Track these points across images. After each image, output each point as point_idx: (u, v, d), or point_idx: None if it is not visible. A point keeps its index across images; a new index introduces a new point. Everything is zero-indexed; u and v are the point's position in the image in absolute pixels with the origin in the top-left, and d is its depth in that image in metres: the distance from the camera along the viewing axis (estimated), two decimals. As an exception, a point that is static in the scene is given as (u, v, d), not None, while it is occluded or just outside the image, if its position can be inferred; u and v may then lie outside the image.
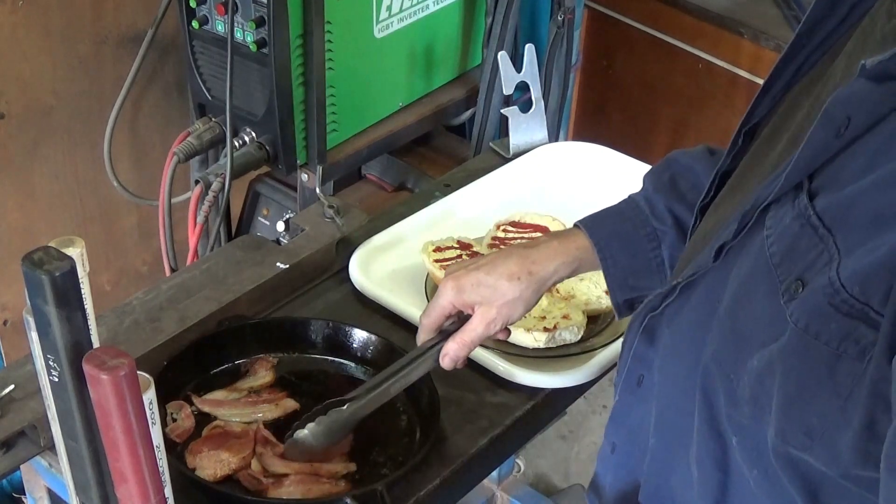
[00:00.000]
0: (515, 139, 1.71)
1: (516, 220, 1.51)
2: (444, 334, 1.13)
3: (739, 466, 0.80)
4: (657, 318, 0.91)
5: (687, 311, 0.87)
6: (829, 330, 0.68)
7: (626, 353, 0.96)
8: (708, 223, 0.93)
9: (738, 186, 0.90)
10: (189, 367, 1.24)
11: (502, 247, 1.47)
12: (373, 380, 1.14)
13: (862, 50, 0.78)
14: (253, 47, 1.49)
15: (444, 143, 1.97)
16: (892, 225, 0.66)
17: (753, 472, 0.79)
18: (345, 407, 1.11)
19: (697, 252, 0.88)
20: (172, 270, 1.66)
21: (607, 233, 1.12)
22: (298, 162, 1.62)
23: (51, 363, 0.80)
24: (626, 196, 1.16)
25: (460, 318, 1.13)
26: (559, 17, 1.79)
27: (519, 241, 1.48)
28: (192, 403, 1.21)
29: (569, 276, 1.13)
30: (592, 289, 1.38)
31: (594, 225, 1.13)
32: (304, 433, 1.11)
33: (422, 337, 1.14)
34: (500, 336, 1.15)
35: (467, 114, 1.91)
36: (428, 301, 1.36)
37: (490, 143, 1.77)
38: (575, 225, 1.14)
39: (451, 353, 1.11)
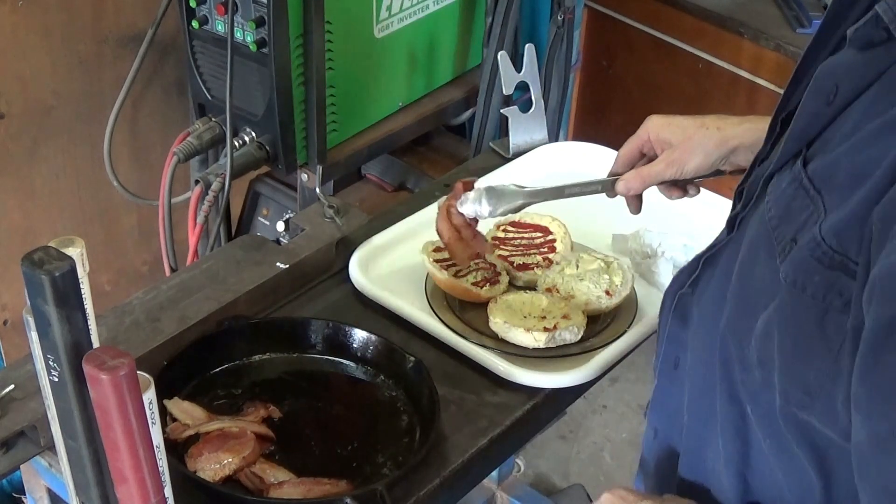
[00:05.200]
0: (515, 139, 1.71)
1: (516, 220, 1.51)
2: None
3: (756, 435, 0.83)
4: (688, 297, 0.94)
5: (710, 287, 0.90)
6: (814, 283, 0.71)
7: (662, 335, 0.99)
8: None
9: None
10: (189, 367, 1.24)
11: (502, 247, 1.47)
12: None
13: None
14: (253, 47, 1.49)
15: (444, 143, 1.97)
16: (865, 180, 0.69)
17: (767, 441, 0.82)
18: (524, 188, 1.25)
19: None
20: (172, 270, 1.66)
21: None
22: (298, 162, 1.62)
23: (51, 363, 0.80)
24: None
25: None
26: (559, 17, 1.79)
27: (518, 241, 1.48)
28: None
29: (751, 146, 1.16)
30: (592, 289, 1.38)
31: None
32: (476, 192, 1.25)
33: (615, 168, 1.27)
34: (675, 194, 1.25)
35: (467, 114, 1.91)
36: (428, 301, 1.37)
37: (490, 143, 1.77)
38: None
39: (627, 180, 1.22)
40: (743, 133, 1.16)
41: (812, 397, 0.73)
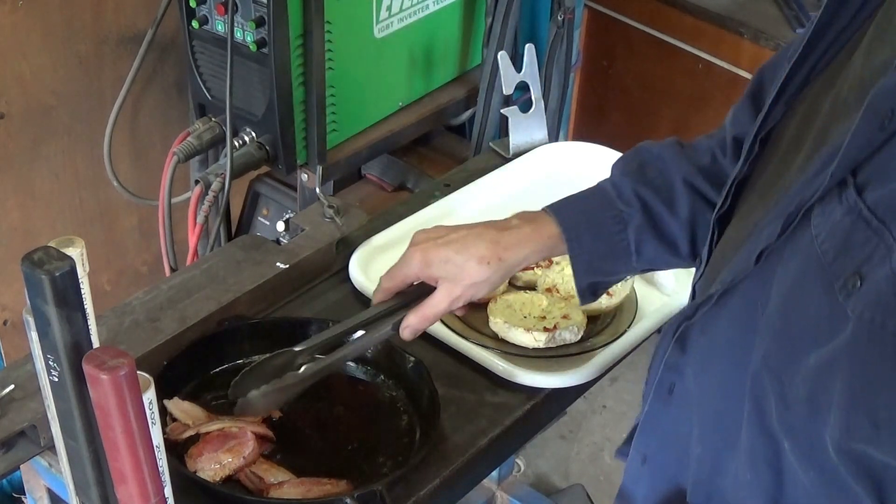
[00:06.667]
0: (515, 139, 1.71)
1: (516, 220, 1.50)
2: (401, 297, 1.15)
3: (793, 467, 0.80)
4: (689, 326, 0.91)
5: (726, 316, 0.87)
6: None
7: (658, 362, 0.96)
8: (737, 232, 0.92)
9: (767, 193, 0.89)
10: (189, 367, 1.24)
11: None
12: (326, 335, 1.17)
13: (880, 44, 0.78)
14: (253, 47, 1.49)
15: (444, 143, 1.97)
16: None
17: (809, 474, 0.79)
18: (300, 371, 1.14)
19: (727, 260, 0.88)
20: (172, 270, 1.66)
21: (575, 217, 1.13)
22: (298, 162, 1.62)
23: (51, 363, 0.80)
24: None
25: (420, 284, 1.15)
26: (559, 17, 1.79)
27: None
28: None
29: (537, 261, 1.15)
30: (592, 289, 1.38)
31: (562, 210, 1.14)
32: (256, 394, 1.14)
33: (378, 297, 1.17)
34: (459, 313, 1.18)
35: (467, 114, 1.91)
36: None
37: (490, 143, 1.77)
38: (543, 209, 1.15)
39: (412, 326, 1.14)
40: (528, 256, 1.12)
41: (880, 429, 0.71)
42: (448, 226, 1.16)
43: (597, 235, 1.12)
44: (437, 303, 1.12)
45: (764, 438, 0.82)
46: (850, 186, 0.72)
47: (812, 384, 0.74)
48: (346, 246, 1.48)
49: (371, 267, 1.44)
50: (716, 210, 0.96)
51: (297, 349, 1.17)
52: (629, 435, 1.07)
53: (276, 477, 1.13)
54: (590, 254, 1.12)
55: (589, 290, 1.15)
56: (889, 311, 0.68)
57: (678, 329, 0.93)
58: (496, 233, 1.12)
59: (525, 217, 1.15)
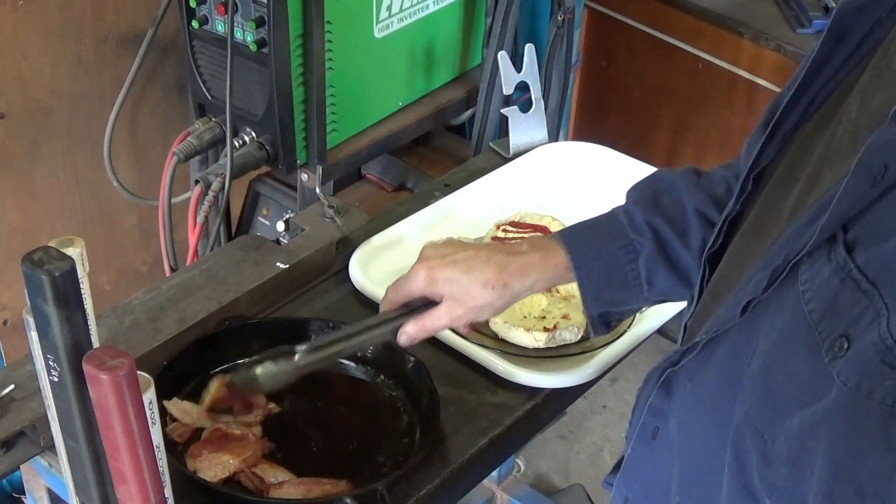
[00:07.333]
0: (515, 139, 1.71)
1: (516, 220, 1.51)
2: (407, 307, 1.13)
3: None
4: (674, 373, 0.90)
5: (712, 366, 0.85)
6: (884, 388, 0.65)
7: (642, 406, 0.95)
8: (726, 273, 0.91)
9: (756, 233, 0.88)
10: (189, 367, 1.24)
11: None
12: (328, 336, 1.16)
13: (877, 86, 0.76)
14: (253, 47, 1.49)
15: (444, 143, 1.97)
16: None
17: None
18: (296, 357, 1.12)
19: (717, 304, 0.86)
20: (172, 270, 1.66)
21: (584, 246, 1.11)
22: (298, 162, 1.62)
23: (51, 363, 0.80)
24: (614, 204, 1.15)
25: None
26: (559, 17, 1.79)
27: (518, 241, 1.48)
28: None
29: (543, 289, 1.13)
30: (592, 289, 1.37)
31: (572, 238, 1.11)
32: (258, 372, 1.12)
33: (384, 307, 1.15)
34: (462, 332, 1.16)
35: (467, 114, 1.91)
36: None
37: (490, 143, 1.77)
38: (553, 235, 1.13)
39: (409, 333, 1.12)
40: (533, 284, 1.10)
41: (864, 498, 0.68)
42: (458, 243, 1.14)
43: (606, 266, 1.10)
44: (437, 317, 1.11)
45: (744, 496, 0.79)
46: (840, 243, 0.70)
47: (795, 445, 0.72)
48: (346, 246, 1.48)
49: (371, 267, 1.44)
50: (707, 248, 0.95)
51: (296, 348, 1.17)
52: (616, 465, 1.06)
53: (276, 477, 1.13)
54: (598, 284, 1.10)
55: (600, 320, 1.13)
56: (875, 379, 0.66)
57: (663, 374, 0.91)
58: (504, 258, 1.10)
59: (535, 243, 1.13)
